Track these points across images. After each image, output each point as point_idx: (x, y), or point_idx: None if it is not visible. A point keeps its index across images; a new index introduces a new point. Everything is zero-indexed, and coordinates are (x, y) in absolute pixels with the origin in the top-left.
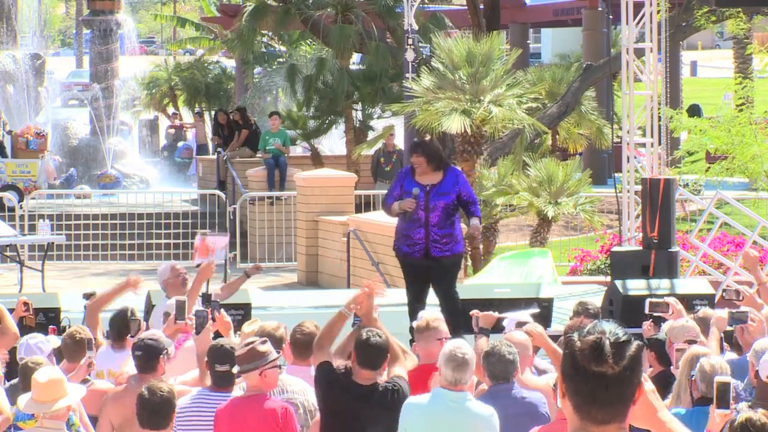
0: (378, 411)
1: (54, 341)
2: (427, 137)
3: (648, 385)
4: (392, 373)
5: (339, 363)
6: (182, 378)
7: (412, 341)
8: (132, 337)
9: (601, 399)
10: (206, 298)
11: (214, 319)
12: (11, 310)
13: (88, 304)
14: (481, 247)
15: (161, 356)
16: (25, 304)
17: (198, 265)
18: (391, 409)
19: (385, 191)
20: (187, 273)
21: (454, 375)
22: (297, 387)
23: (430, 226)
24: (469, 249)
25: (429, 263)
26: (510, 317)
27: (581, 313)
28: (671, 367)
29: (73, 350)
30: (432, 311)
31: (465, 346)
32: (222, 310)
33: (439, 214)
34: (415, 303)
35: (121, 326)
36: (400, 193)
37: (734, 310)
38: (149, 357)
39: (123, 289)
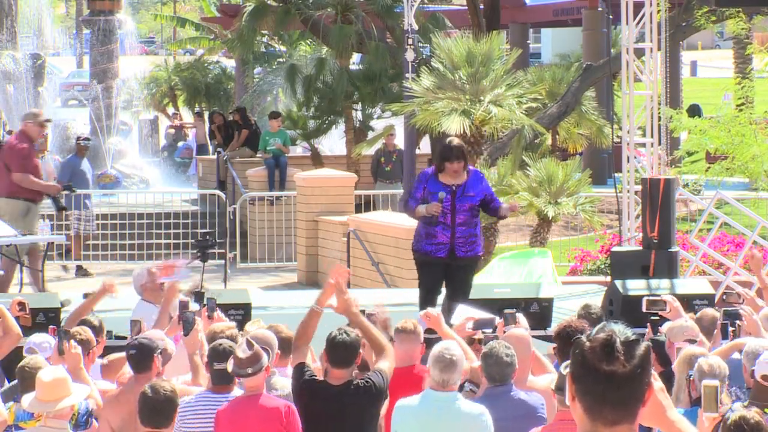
0: (353, 409)
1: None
2: (455, 140)
3: (657, 384)
4: (374, 367)
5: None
6: (184, 378)
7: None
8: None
9: (612, 399)
10: (199, 296)
11: (210, 317)
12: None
13: (67, 316)
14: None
15: (155, 355)
16: (20, 303)
17: (162, 284)
18: (366, 406)
19: (385, 191)
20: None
21: (441, 376)
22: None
23: (457, 226)
24: None
25: (450, 262)
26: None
27: (584, 316)
28: (672, 366)
29: None
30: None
31: (453, 347)
32: (218, 310)
33: (465, 214)
34: (427, 303)
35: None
36: (424, 194)
37: (728, 308)
38: (143, 356)
39: (101, 296)
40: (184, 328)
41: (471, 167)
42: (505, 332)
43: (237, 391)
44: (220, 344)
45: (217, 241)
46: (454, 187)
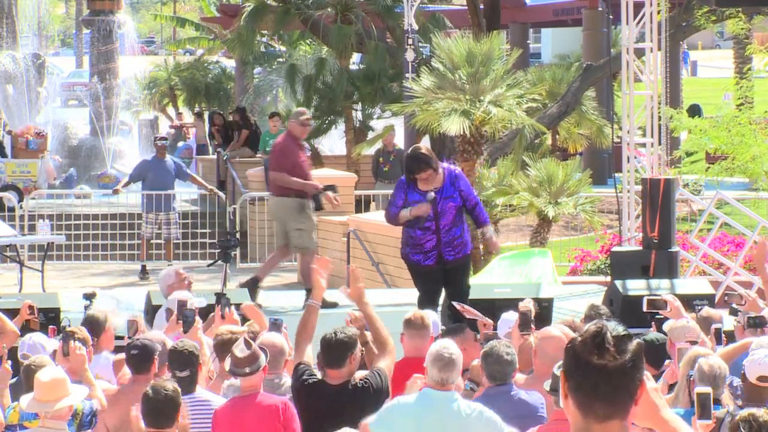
0: (349, 410)
1: (54, 344)
2: (421, 148)
3: (650, 384)
4: (374, 366)
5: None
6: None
7: None
8: (130, 338)
9: (603, 392)
10: (219, 297)
11: (223, 317)
12: (14, 311)
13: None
14: (481, 247)
15: (155, 357)
16: (30, 307)
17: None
18: (364, 406)
19: (385, 191)
20: (191, 277)
21: (440, 375)
22: None
23: (441, 233)
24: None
25: (442, 268)
26: (503, 319)
27: (593, 316)
28: (670, 363)
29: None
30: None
31: (452, 345)
32: (232, 307)
33: (449, 218)
34: (428, 305)
35: (94, 329)
36: (405, 203)
37: (729, 292)
38: (144, 357)
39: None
40: (183, 326)
41: (446, 167)
42: (531, 334)
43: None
44: (181, 351)
45: (239, 241)
46: (433, 192)
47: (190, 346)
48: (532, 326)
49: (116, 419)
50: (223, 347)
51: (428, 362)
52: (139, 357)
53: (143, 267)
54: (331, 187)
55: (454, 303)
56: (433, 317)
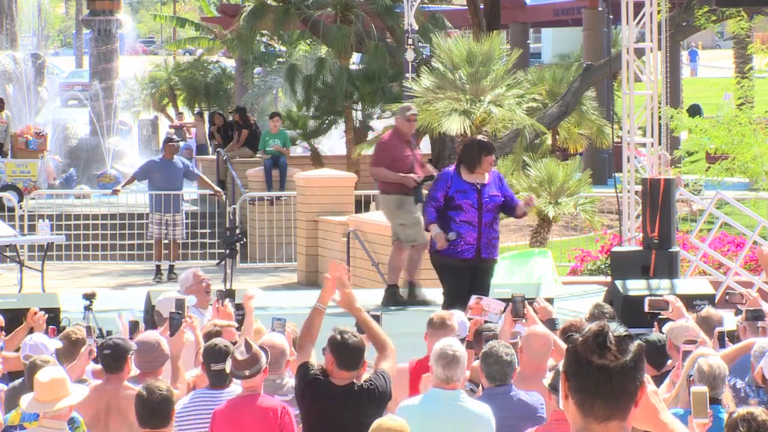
0: (354, 411)
1: (56, 344)
2: (482, 136)
3: (650, 387)
4: (377, 368)
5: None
6: (190, 373)
7: None
8: (130, 339)
9: (604, 392)
10: (229, 294)
11: (218, 310)
12: (14, 311)
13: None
14: None
15: (129, 356)
16: (35, 313)
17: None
18: (368, 408)
19: None
20: (209, 279)
21: (445, 372)
22: None
23: (483, 227)
24: None
25: (474, 264)
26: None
27: (598, 316)
28: (675, 363)
29: (69, 351)
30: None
31: (456, 343)
32: (227, 300)
33: (491, 214)
34: (455, 305)
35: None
36: (446, 194)
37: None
38: (117, 356)
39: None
40: (170, 328)
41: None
42: (524, 320)
43: (234, 387)
44: (216, 345)
45: (243, 235)
46: (479, 185)
47: (226, 342)
48: (526, 312)
49: (86, 417)
50: (207, 338)
51: (432, 360)
52: (112, 356)
53: (158, 267)
54: (431, 178)
55: (473, 297)
56: (460, 318)
